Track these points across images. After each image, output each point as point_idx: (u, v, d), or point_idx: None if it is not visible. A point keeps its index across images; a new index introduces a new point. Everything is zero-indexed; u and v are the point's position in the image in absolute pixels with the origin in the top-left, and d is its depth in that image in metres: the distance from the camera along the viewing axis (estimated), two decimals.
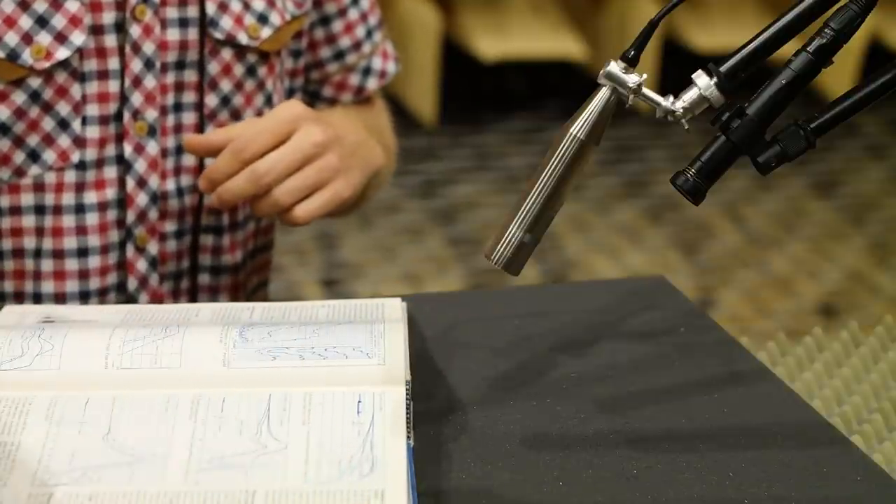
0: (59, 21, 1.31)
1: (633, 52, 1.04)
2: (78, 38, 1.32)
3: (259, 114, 1.44)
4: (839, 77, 3.92)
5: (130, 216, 1.38)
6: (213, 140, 1.35)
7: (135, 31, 1.34)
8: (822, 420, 1.14)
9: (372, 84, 1.55)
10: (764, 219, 3.64)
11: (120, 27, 1.34)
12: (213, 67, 1.40)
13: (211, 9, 1.38)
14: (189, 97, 1.40)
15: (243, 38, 1.40)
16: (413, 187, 3.72)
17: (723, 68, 1.03)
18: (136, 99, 1.36)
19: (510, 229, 1.06)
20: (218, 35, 1.39)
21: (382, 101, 1.63)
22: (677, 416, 1.13)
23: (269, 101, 1.45)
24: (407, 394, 1.06)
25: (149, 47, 1.35)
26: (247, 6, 1.40)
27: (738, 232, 3.56)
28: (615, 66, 1.04)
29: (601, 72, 1.04)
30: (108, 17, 1.33)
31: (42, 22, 1.30)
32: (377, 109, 1.60)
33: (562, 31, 4.00)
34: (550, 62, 4.05)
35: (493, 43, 3.93)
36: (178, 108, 1.39)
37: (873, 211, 3.72)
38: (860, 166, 3.99)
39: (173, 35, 1.37)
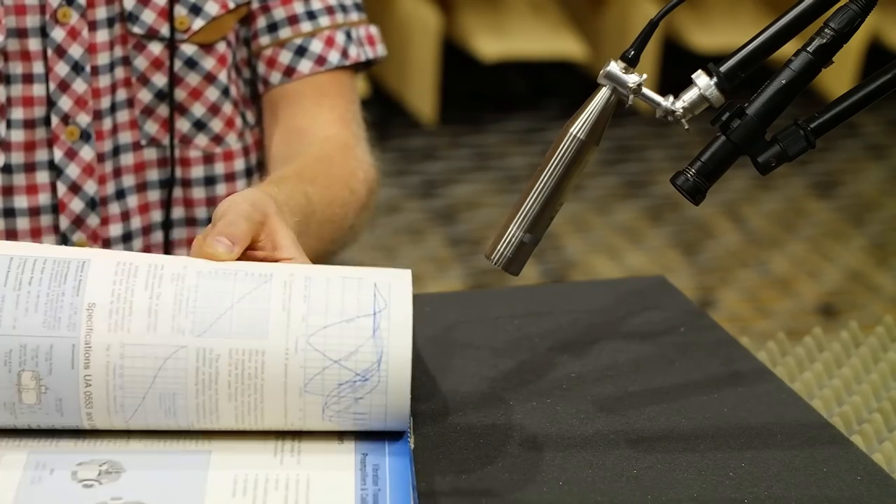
0: None
1: (633, 52, 1.04)
2: None
3: (213, 108, 1.41)
4: (839, 77, 3.92)
5: (64, 222, 1.37)
6: None
7: (57, 34, 1.33)
8: (822, 420, 1.14)
9: (305, 67, 1.42)
10: (764, 219, 3.64)
11: (44, 31, 1.33)
12: (141, 62, 1.38)
13: (129, 3, 1.35)
14: (121, 94, 1.38)
15: (167, 31, 1.37)
16: (413, 187, 3.71)
17: (723, 68, 1.03)
18: (65, 103, 1.35)
19: (510, 229, 1.06)
20: (137, 30, 1.36)
21: (353, 138, 1.44)
22: (677, 416, 1.13)
23: (225, 94, 1.41)
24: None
25: (76, 50, 1.34)
26: None
27: (738, 232, 3.56)
28: (615, 66, 1.04)
29: (601, 72, 1.04)
30: (32, 21, 1.33)
31: None
32: (340, 158, 1.41)
33: (562, 31, 4.00)
34: (550, 62, 4.05)
35: (493, 43, 3.92)
36: (113, 108, 1.38)
37: (873, 211, 3.71)
38: (860, 166, 3.99)
39: (103, 36, 1.35)
